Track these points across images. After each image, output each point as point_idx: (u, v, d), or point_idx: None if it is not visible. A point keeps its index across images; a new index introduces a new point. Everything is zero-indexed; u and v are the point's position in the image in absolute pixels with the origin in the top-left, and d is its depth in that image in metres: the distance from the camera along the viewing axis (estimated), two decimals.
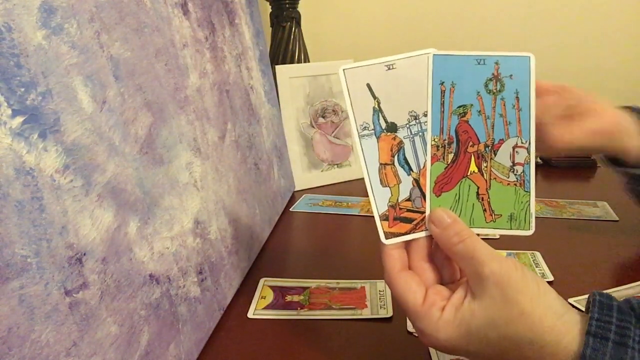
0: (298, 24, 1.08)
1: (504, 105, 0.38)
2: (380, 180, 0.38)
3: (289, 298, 0.55)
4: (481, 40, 1.28)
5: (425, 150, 0.38)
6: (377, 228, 0.38)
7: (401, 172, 0.38)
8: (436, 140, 0.38)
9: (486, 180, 0.38)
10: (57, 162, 0.31)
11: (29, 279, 0.28)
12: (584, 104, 0.56)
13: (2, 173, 0.27)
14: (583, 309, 0.34)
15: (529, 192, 0.38)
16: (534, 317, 0.32)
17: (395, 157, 0.38)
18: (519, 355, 0.32)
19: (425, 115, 0.38)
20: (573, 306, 0.37)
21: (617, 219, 0.76)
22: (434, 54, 0.38)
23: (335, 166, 0.97)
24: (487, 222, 0.38)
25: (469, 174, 0.38)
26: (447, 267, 0.38)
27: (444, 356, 0.45)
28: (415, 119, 0.38)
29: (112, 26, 0.39)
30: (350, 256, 0.66)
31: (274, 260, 0.65)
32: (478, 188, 0.38)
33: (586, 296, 0.34)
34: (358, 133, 0.38)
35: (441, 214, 0.37)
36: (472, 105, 0.38)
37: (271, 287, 0.58)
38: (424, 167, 0.38)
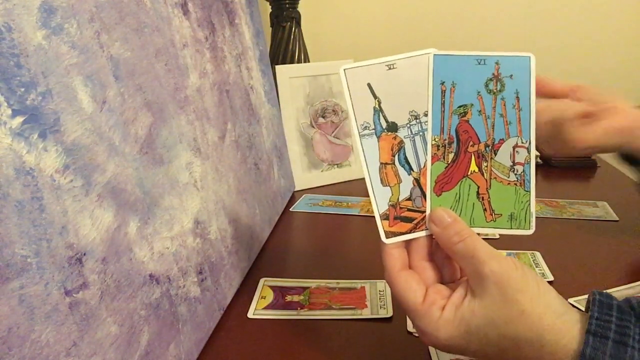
0: (298, 24, 1.08)
1: (504, 105, 0.38)
2: (381, 179, 0.38)
3: (289, 298, 0.55)
4: (481, 40, 1.28)
5: (426, 150, 0.38)
6: (377, 227, 0.38)
7: (402, 171, 0.38)
8: (436, 139, 0.38)
9: (486, 180, 0.38)
10: (57, 162, 0.31)
11: (29, 279, 0.28)
12: (603, 103, 0.56)
13: (2, 173, 0.27)
14: (583, 309, 0.34)
15: (529, 192, 0.38)
16: (534, 316, 0.32)
17: (396, 156, 0.38)
18: (519, 354, 0.32)
19: (426, 115, 0.38)
20: (573, 306, 0.37)
21: (617, 219, 0.76)
22: (434, 54, 0.38)
23: (335, 166, 0.97)
24: (487, 222, 0.38)
25: (469, 173, 0.38)
26: (448, 266, 0.38)
27: (443, 356, 0.45)
28: (416, 118, 0.38)
29: (112, 26, 0.39)
30: (350, 256, 0.66)
31: (274, 260, 0.65)
32: (478, 187, 0.38)
33: (586, 296, 0.34)
34: (359, 133, 0.38)
35: (441, 213, 0.37)
36: (472, 105, 0.38)
37: (271, 287, 0.58)
38: (424, 166, 0.38)
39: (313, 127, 0.95)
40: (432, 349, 0.46)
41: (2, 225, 0.27)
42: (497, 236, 0.66)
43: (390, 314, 0.52)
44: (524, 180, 0.38)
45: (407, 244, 0.38)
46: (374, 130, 0.38)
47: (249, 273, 0.61)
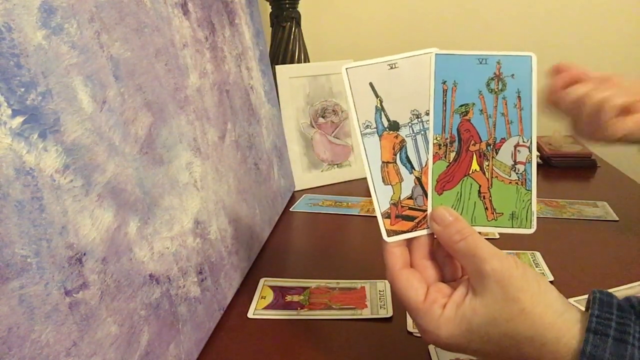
0: (298, 24, 1.08)
1: (506, 104, 0.38)
2: (383, 178, 0.38)
3: (289, 298, 0.55)
4: (482, 40, 1.28)
5: (427, 149, 0.38)
6: (379, 226, 0.38)
7: (403, 170, 0.38)
8: (438, 138, 0.38)
9: (488, 179, 0.38)
10: (57, 162, 0.31)
11: (29, 279, 0.28)
12: (636, 95, 0.58)
13: (2, 173, 0.27)
14: (583, 309, 0.34)
15: (531, 191, 0.38)
16: (535, 315, 0.32)
17: (398, 155, 0.38)
18: (520, 353, 0.32)
19: (428, 114, 0.38)
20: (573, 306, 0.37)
21: (617, 219, 0.76)
22: (436, 54, 0.38)
23: (335, 166, 0.97)
24: (488, 221, 0.38)
25: (470, 172, 0.38)
26: (449, 264, 0.38)
27: (443, 356, 0.45)
28: (418, 117, 0.38)
29: (112, 26, 0.39)
30: (350, 256, 0.66)
31: (274, 260, 0.65)
32: (480, 186, 0.38)
33: (586, 296, 0.34)
34: (360, 131, 0.38)
35: (443, 212, 0.37)
36: (474, 104, 0.38)
37: (271, 287, 0.58)
38: (425, 165, 0.38)
39: (313, 127, 0.95)
40: (432, 349, 0.46)
41: (2, 225, 0.26)
42: (497, 235, 0.66)
43: (390, 314, 0.52)
44: (525, 180, 0.38)
45: (409, 242, 0.38)
46: (375, 129, 0.38)
47: (249, 273, 0.61)
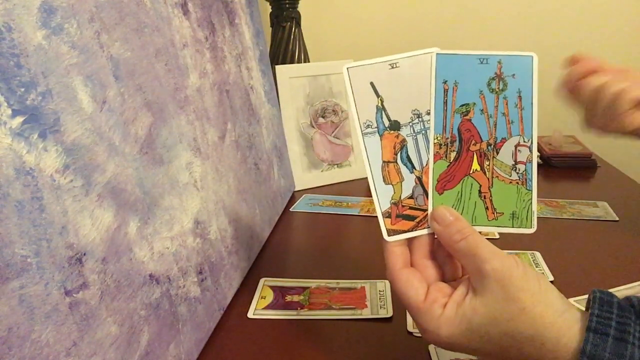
0: (298, 24, 1.08)
1: (507, 104, 0.38)
2: (383, 177, 0.38)
3: (289, 298, 0.55)
4: (482, 40, 1.28)
5: (428, 149, 0.38)
6: (379, 225, 0.38)
7: (404, 170, 0.38)
8: (439, 138, 0.38)
9: (488, 179, 0.38)
10: (57, 162, 0.31)
11: (29, 279, 0.28)
12: None
13: (2, 173, 0.27)
14: (583, 309, 0.34)
15: (531, 191, 0.38)
16: (535, 314, 0.32)
17: (398, 155, 0.38)
18: (520, 352, 0.32)
19: (428, 114, 0.38)
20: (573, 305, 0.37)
21: (617, 219, 0.76)
22: (437, 53, 0.38)
23: (335, 166, 0.97)
24: (489, 220, 0.38)
25: (471, 172, 0.38)
26: (449, 264, 0.38)
27: (443, 356, 0.45)
28: (418, 117, 0.38)
29: (112, 26, 0.39)
30: (350, 256, 0.66)
31: (274, 260, 0.65)
32: (480, 186, 0.38)
33: (586, 296, 0.34)
34: (361, 131, 0.38)
35: (443, 211, 0.37)
36: (474, 104, 0.38)
37: (271, 287, 0.58)
38: (426, 165, 0.38)
39: (313, 127, 0.95)
40: (432, 349, 0.46)
41: (2, 225, 0.26)
42: (497, 235, 0.66)
43: (390, 314, 0.52)
44: (525, 179, 0.38)
45: (409, 242, 0.38)
46: (376, 129, 0.38)
47: (249, 273, 0.61)
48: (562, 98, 0.61)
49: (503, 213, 0.38)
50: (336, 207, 0.83)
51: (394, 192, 0.38)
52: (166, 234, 0.43)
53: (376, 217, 0.38)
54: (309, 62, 1.10)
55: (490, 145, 0.38)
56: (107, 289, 0.34)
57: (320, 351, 0.47)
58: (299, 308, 0.53)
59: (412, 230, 0.38)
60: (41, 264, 0.29)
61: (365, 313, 0.52)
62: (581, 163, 1.03)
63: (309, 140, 0.95)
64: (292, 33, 1.07)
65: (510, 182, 0.38)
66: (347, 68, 0.38)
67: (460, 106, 0.38)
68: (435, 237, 0.38)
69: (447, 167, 0.38)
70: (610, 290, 0.47)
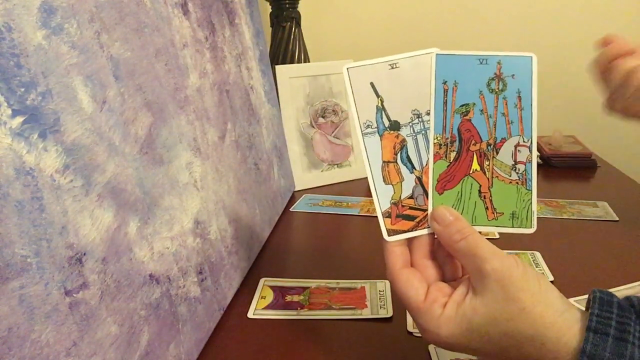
0: (298, 24, 1.08)
1: (506, 104, 0.38)
2: (383, 177, 0.38)
3: (289, 298, 0.55)
4: (482, 41, 1.28)
5: (428, 149, 0.38)
6: (379, 225, 0.38)
7: (404, 170, 0.38)
8: (439, 138, 0.38)
9: (488, 179, 0.38)
10: (57, 162, 0.31)
11: (29, 279, 0.28)
12: None
13: (2, 173, 0.27)
14: (584, 309, 0.34)
15: (531, 191, 0.38)
16: (535, 314, 0.32)
17: (398, 155, 0.38)
18: (520, 352, 0.32)
19: (428, 114, 0.38)
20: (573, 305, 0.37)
21: (617, 219, 0.76)
22: (437, 54, 0.38)
23: (335, 166, 0.97)
24: (489, 220, 0.38)
25: (471, 172, 0.38)
26: (449, 264, 0.38)
27: (443, 356, 0.45)
28: (418, 117, 0.38)
29: (112, 26, 0.39)
30: (350, 256, 0.66)
31: (274, 260, 0.65)
32: (480, 186, 0.38)
33: (586, 296, 0.34)
34: (361, 131, 0.38)
35: (443, 211, 0.37)
36: (474, 104, 0.38)
37: (271, 287, 0.58)
38: (426, 165, 0.38)
39: (313, 127, 0.95)
40: (431, 349, 0.46)
41: (2, 225, 0.26)
42: (497, 235, 0.66)
43: (390, 314, 0.52)
44: (525, 179, 0.38)
45: (409, 242, 0.38)
46: (376, 129, 0.38)
47: (249, 273, 0.61)
48: (595, 81, 0.61)
49: (503, 213, 0.38)
50: (336, 207, 0.83)
51: (394, 192, 0.38)
52: (166, 234, 0.43)
53: (376, 217, 0.38)
54: (309, 62, 1.10)
55: (490, 145, 0.38)
56: (107, 289, 0.34)
57: (320, 351, 0.47)
58: (299, 308, 0.53)
59: (412, 230, 0.38)
60: (41, 264, 0.29)
61: (365, 313, 0.52)
62: (581, 163, 1.03)
63: (309, 140, 0.95)
64: (292, 33, 1.07)
65: (510, 182, 0.38)
66: (347, 68, 0.38)
67: (460, 106, 0.38)
68: (435, 237, 0.38)
69: (447, 167, 0.38)
70: (610, 290, 0.47)
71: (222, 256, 0.53)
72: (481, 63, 0.38)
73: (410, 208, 0.38)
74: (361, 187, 0.91)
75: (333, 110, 0.97)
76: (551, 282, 0.57)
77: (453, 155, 0.38)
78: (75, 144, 0.33)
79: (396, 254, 0.37)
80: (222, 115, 0.60)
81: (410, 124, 0.38)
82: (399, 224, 0.38)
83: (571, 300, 0.51)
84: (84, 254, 0.32)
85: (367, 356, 0.46)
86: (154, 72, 0.45)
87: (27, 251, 0.28)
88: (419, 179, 0.38)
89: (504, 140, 0.38)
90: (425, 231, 0.38)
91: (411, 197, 0.38)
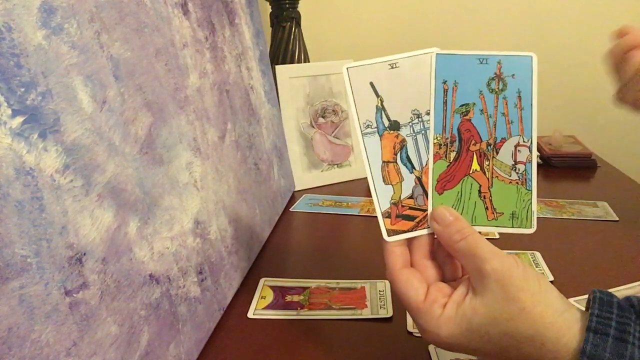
0: (298, 24, 1.08)
1: (506, 104, 0.38)
2: (383, 177, 0.38)
3: (289, 298, 0.55)
4: (482, 40, 1.28)
5: (428, 149, 0.38)
6: (379, 225, 0.38)
7: (404, 170, 0.38)
8: (439, 138, 0.38)
9: (488, 179, 0.38)
10: (57, 162, 0.31)
11: (29, 279, 0.28)
12: None
13: (2, 173, 0.27)
14: (583, 309, 0.34)
15: (531, 191, 0.38)
16: (535, 314, 0.32)
17: (398, 155, 0.38)
18: (520, 352, 0.32)
19: (428, 114, 0.38)
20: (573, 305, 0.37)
21: (617, 219, 0.76)
22: (436, 53, 0.38)
23: (335, 166, 0.97)
24: (489, 220, 0.38)
25: (471, 172, 0.38)
26: (449, 264, 0.38)
27: (443, 356, 0.45)
28: (418, 117, 0.38)
29: (112, 26, 0.39)
30: (350, 256, 0.66)
31: (274, 260, 0.65)
32: (480, 186, 0.38)
33: (586, 296, 0.34)
34: (361, 131, 0.38)
35: (443, 211, 0.37)
36: (474, 104, 0.38)
37: (271, 287, 0.58)
38: (426, 165, 0.38)
39: (313, 127, 0.95)
40: (431, 349, 0.46)
41: (2, 225, 0.26)
42: (497, 235, 0.66)
43: (390, 314, 0.52)
44: (525, 179, 0.38)
45: (409, 242, 0.38)
46: (376, 129, 0.38)
47: (249, 273, 0.61)
48: (610, 73, 0.61)
49: (503, 213, 0.38)
50: (336, 207, 0.83)
51: (394, 192, 0.38)
52: (166, 234, 0.43)
53: (376, 217, 0.38)
54: (309, 62, 1.10)
55: (490, 145, 0.38)
56: (107, 289, 0.34)
57: (320, 351, 0.47)
58: (299, 308, 0.53)
59: (412, 231, 0.38)
60: (41, 264, 0.29)
61: (365, 313, 0.52)
62: (581, 163, 1.03)
63: (309, 140, 0.95)
64: (292, 33, 1.07)
65: (510, 182, 0.38)
66: (347, 68, 0.38)
67: (460, 106, 0.38)
68: (435, 237, 0.38)
69: (447, 167, 0.38)
70: (610, 290, 0.47)
71: (222, 256, 0.53)
72: (481, 63, 0.38)
73: (410, 208, 0.38)
74: (361, 187, 0.91)
75: (333, 110, 0.97)
76: (551, 282, 0.57)
77: (453, 155, 0.38)
78: (75, 144, 0.33)
79: (396, 254, 0.37)
80: (222, 115, 0.60)
81: (410, 123, 0.38)
82: (399, 224, 0.38)
83: (571, 300, 0.51)
84: (84, 254, 0.32)
85: (367, 356, 0.46)
86: (154, 72, 0.45)
87: (27, 251, 0.28)
88: (419, 179, 0.38)
89: (504, 140, 0.38)
90: (425, 231, 0.38)
91: (411, 197, 0.38)
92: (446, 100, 0.38)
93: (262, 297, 0.56)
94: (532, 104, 0.38)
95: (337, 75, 0.97)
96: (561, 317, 0.32)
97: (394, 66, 0.38)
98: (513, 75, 0.38)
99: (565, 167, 1.02)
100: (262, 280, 0.59)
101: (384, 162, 0.38)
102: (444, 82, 0.38)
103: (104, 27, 0.38)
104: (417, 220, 0.38)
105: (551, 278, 0.59)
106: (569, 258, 0.64)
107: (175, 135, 0.47)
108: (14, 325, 0.27)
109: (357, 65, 0.38)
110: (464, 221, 0.36)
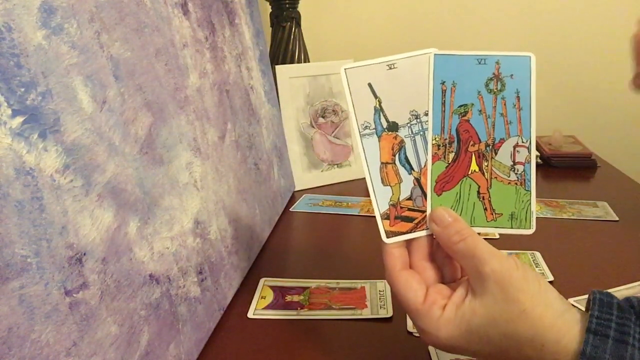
0: (298, 24, 1.08)
1: (505, 104, 0.38)
2: (382, 179, 0.38)
3: (289, 298, 0.55)
4: (481, 41, 1.28)
5: (426, 150, 0.38)
6: (378, 227, 0.38)
7: (402, 171, 0.38)
8: (437, 139, 0.38)
9: (487, 180, 0.38)
10: (57, 162, 0.31)
11: (29, 279, 0.28)
12: None
13: (2, 173, 0.27)
14: (583, 309, 0.34)
15: (530, 191, 0.38)
16: (535, 316, 0.32)
17: (397, 156, 0.38)
18: (520, 354, 0.32)
19: (426, 115, 0.38)
20: (573, 306, 0.37)
21: (617, 219, 0.76)
22: (435, 54, 0.38)
23: (335, 166, 0.97)
24: (488, 221, 0.38)
25: (469, 173, 0.38)
26: (448, 265, 0.38)
27: (443, 356, 0.45)
28: (417, 118, 0.38)
29: (112, 26, 0.39)
30: (350, 256, 0.66)
31: (274, 260, 0.65)
32: (479, 187, 0.38)
33: (586, 296, 0.34)
34: (359, 132, 0.38)
35: (442, 212, 0.37)
36: (473, 104, 0.38)
37: (271, 287, 0.58)
38: (425, 166, 0.38)
39: (313, 127, 0.95)
40: (432, 349, 0.46)
41: (2, 225, 0.27)
42: (497, 236, 0.66)
43: (390, 314, 0.52)
44: (524, 180, 0.38)
45: (408, 243, 0.38)
46: (374, 130, 0.38)
47: (249, 273, 0.61)
48: (630, 52, 0.62)
49: (502, 214, 0.38)
50: (336, 207, 0.83)
51: (393, 194, 0.38)
52: (166, 234, 0.43)
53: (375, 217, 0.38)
54: (309, 62, 1.10)
55: (489, 146, 0.38)
56: (107, 289, 0.34)
57: (320, 351, 0.47)
58: (299, 308, 0.54)
59: (410, 232, 0.38)
60: (41, 264, 0.29)
61: (365, 313, 0.52)
62: (581, 163, 1.03)
63: (309, 140, 0.95)
64: (292, 33, 1.07)
65: (509, 183, 0.38)
66: (345, 69, 0.38)
67: (459, 107, 0.38)
68: (434, 238, 0.38)
69: (446, 168, 0.38)
70: (610, 290, 0.47)
71: (222, 256, 0.53)
72: (479, 63, 0.38)
73: (409, 209, 0.38)
74: (361, 187, 0.91)
75: (333, 110, 0.97)
76: (551, 282, 0.57)
77: (451, 156, 0.38)
78: (75, 144, 0.33)
79: (395, 256, 0.37)
80: (222, 115, 0.60)
81: (409, 124, 0.38)
82: (398, 226, 0.38)
83: (571, 300, 0.51)
84: (84, 254, 0.32)
85: (367, 356, 0.46)
86: (154, 72, 0.45)
87: (27, 251, 0.28)
88: (418, 180, 0.38)
89: (502, 140, 0.38)
90: (424, 233, 0.38)
91: (410, 198, 0.38)
92: (444, 100, 0.38)
93: (262, 297, 0.56)
94: (530, 104, 0.38)
95: (337, 75, 0.96)
96: (561, 318, 0.32)
97: (392, 67, 0.38)
98: (511, 75, 0.38)
99: (565, 167, 1.02)
100: (262, 280, 0.59)
101: (382, 163, 0.38)
102: (442, 83, 0.38)
103: (104, 27, 0.38)
104: (416, 221, 0.38)
105: (551, 278, 0.59)
106: (569, 258, 0.64)
107: (175, 135, 0.47)
108: (14, 325, 0.27)
109: (355, 66, 0.38)
110: (463, 222, 0.36)
